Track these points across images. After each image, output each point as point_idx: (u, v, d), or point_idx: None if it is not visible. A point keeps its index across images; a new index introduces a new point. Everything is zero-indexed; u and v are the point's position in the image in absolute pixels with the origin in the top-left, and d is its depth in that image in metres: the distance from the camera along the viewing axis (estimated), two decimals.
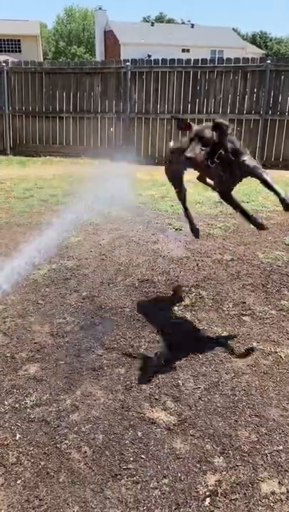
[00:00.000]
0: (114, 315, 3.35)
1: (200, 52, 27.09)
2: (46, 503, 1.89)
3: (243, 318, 3.34)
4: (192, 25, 43.47)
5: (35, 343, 3.00)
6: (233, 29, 45.90)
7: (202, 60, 9.61)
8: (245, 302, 3.56)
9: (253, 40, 57.85)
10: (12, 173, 8.44)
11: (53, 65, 11.54)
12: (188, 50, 34.81)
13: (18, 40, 36.79)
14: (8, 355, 2.87)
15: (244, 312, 3.42)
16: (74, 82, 10.16)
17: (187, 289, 3.77)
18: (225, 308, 3.47)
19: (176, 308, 3.47)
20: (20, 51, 36.10)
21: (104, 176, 7.77)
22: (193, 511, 1.86)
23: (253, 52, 37.90)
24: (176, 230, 5.27)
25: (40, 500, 1.91)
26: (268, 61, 9.27)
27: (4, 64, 10.40)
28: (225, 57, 9.80)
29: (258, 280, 3.94)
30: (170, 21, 60.37)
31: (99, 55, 38.63)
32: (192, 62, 9.62)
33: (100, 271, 4.10)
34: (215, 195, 6.81)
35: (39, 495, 1.93)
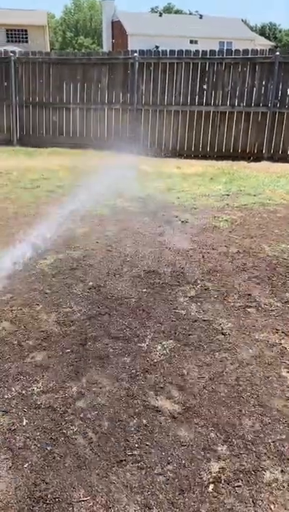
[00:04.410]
0: (120, 305, 3.38)
1: (208, 43, 26.83)
2: (53, 487, 1.93)
3: (248, 310, 3.36)
4: (200, 16, 43.04)
5: (42, 331, 3.03)
6: (242, 20, 45.38)
7: (210, 51, 9.55)
8: (250, 294, 3.57)
9: (262, 31, 57.20)
10: (19, 164, 8.47)
11: (60, 55, 11.52)
12: (196, 42, 34.50)
13: (25, 31, 36.59)
14: (15, 342, 2.90)
15: (249, 304, 3.43)
16: (81, 73, 10.13)
17: (193, 280, 3.79)
18: (230, 300, 3.49)
19: (181, 299, 3.49)
20: (27, 41, 35.92)
21: (111, 168, 7.77)
22: (196, 497, 1.89)
23: (262, 43, 37.52)
24: (182, 222, 5.29)
25: (46, 483, 1.94)
26: (277, 53, 9.20)
27: (12, 54, 10.38)
28: (233, 49, 9.73)
29: (264, 273, 3.95)
30: (178, 12, 59.80)
31: (106, 46, 38.39)
32: (200, 53, 9.56)
33: (106, 262, 4.13)
34: (221, 188, 6.82)
35: (45, 478, 1.97)
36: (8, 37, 35.94)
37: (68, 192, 6.46)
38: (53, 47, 48.36)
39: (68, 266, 4.01)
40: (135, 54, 9.74)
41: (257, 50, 9.67)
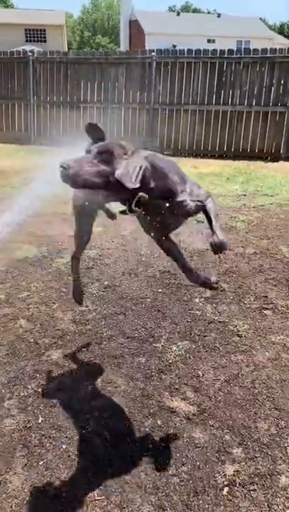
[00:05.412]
0: (135, 305, 3.38)
1: (226, 42, 26.56)
2: (67, 485, 1.94)
3: (265, 311, 3.33)
4: (218, 15, 42.73)
5: (58, 329, 3.05)
6: (261, 19, 44.92)
7: (228, 50, 9.47)
8: (267, 296, 3.54)
9: (281, 30, 56.59)
10: (36, 163, 8.52)
11: (78, 54, 11.57)
12: (213, 41, 34.22)
13: (44, 30, 36.83)
14: (32, 340, 2.93)
15: (266, 306, 3.40)
16: (99, 72, 10.15)
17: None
18: (246, 302, 3.46)
19: (196, 300, 3.48)
20: (45, 41, 36.16)
21: None
22: (211, 499, 1.88)
23: (281, 42, 37.02)
24: (198, 222, 5.25)
25: (61, 481, 1.96)
26: None
27: (30, 54, 10.46)
28: (252, 48, 9.64)
29: (281, 274, 3.91)
30: (196, 11, 59.62)
31: (123, 45, 38.39)
32: (218, 52, 9.49)
33: (122, 261, 4.13)
34: (238, 188, 6.77)
35: (60, 477, 1.98)
36: (26, 36, 36.21)
37: None
38: (71, 46, 48.63)
39: (84, 265, 4.02)
40: (153, 53, 9.73)
41: (276, 49, 9.52)
